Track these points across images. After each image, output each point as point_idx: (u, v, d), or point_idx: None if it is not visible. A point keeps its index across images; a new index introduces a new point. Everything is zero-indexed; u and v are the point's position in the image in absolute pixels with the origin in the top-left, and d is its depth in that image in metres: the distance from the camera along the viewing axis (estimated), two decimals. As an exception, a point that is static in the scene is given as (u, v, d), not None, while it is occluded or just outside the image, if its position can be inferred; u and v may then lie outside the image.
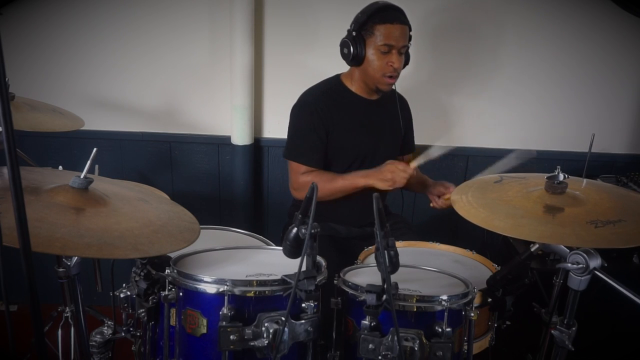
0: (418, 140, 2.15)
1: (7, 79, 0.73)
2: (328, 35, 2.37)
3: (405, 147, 2.10)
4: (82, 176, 1.21)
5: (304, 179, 1.84)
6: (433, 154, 1.72)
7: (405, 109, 2.06)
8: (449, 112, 2.50)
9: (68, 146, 2.48)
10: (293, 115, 1.90)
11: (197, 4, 2.32)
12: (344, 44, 1.79)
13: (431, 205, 1.90)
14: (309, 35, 2.38)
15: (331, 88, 1.89)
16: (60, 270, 1.42)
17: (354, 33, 1.75)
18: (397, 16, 1.74)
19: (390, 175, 1.72)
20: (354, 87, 1.89)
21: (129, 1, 2.33)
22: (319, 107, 1.83)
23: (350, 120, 1.87)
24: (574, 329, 1.35)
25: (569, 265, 1.26)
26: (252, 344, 1.17)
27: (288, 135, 1.91)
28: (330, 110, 1.84)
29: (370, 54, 1.76)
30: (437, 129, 2.50)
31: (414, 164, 1.73)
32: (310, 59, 2.40)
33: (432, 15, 2.32)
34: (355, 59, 1.77)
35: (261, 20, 2.35)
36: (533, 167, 1.55)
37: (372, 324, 1.21)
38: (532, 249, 1.34)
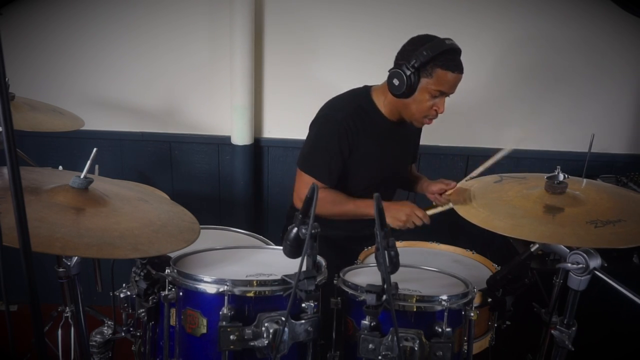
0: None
1: (7, 79, 0.73)
2: (328, 35, 2.37)
3: (412, 158, 2.09)
4: (82, 176, 1.21)
5: None
6: (448, 206, 1.65)
7: None
8: (450, 112, 2.49)
9: (68, 146, 2.48)
10: (318, 127, 1.81)
11: (197, 4, 2.32)
12: (396, 75, 1.66)
13: (433, 204, 1.88)
14: (309, 35, 2.38)
15: (361, 106, 1.79)
16: (60, 270, 1.42)
17: (412, 69, 1.63)
18: (459, 64, 1.65)
19: (405, 218, 1.66)
20: (384, 108, 1.80)
21: (129, 1, 2.33)
22: (348, 126, 1.74)
23: (375, 143, 1.81)
24: (574, 329, 1.35)
25: (569, 265, 1.26)
26: (252, 344, 1.17)
27: (308, 146, 1.82)
28: (358, 131, 1.76)
29: (420, 93, 1.66)
30: (438, 128, 2.49)
31: (431, 212, 1.70)
32: (310, 58, 2.40)
33: (429, 14, 2.32)
34: (404, 94, 1.67)
35: (261, 20, 2.35)
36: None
37: (372, 324, 1.21)
38: (532, 249, 1.34)
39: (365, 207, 1.75)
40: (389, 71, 1.69)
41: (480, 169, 1.70)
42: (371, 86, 1.86)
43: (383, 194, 1.87)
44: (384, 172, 1.89)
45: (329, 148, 1.77)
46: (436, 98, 1.68)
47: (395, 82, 1.67)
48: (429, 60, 1.61)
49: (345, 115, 1.75)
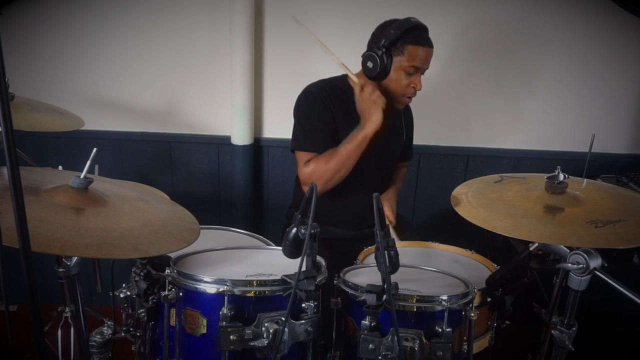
0: (419, 140, 2.15)
1: (7, 79, 0.73)
2: (328, 35, 2.37)
3: (404, 153, 2.09)
4: (82, 176, 1.21)
5: (306, 170, 1.75)
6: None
7: (409, 116, 2.05)
8: (449, 112, 2.50)
9: (68, 146, 2.48)
10: (298, 108, 1.83)
11: (197, 4, 2.32)
12: (369, 58, 1.72)
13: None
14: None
15: (337, 85, 1.84)
16: (60, 270, 1.42)
17: (383, 49, 1.68)
18: (427, 39, 1.71)
19: (370, 104, 1.67)
20: None
21: (129, 1, 2.33)
22: (324, 95, 1.78)
23: (353, 119, 1.81)
24: (574, 329, 1.35)
25: (569, 265, 1.26)
26: (252, 344, 1.17)
27: (295, 129, 1.83)
28: (333, 103, 1.79)
29: (395, 72, 1.72)
30: (438, 129, 2.50)
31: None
32: (310, 58, 2.40)
33: (432, 15, 2.32)
34: (379, 75, 1.72)
35: (261, 20, 2.35)
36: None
37: (372, 324, 1.21)
38: (531, 248, 1.34)
39: (353, 139, 1.71)
40: (362, 56, 1.75)
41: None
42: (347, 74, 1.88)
43: (372, 180, 1.88)
44: (368, 154, 1.86)
45: (314, 121, 1.79)
46: (411, 75, 1.72)
47: (370, 64, 1.73)
48: (397, 37, 1.67)
49: (321, 90, 1.81)
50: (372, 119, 1.69)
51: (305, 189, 1.83)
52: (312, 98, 1.81)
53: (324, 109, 1.78)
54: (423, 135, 2.15)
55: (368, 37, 1.77)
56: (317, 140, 1.77)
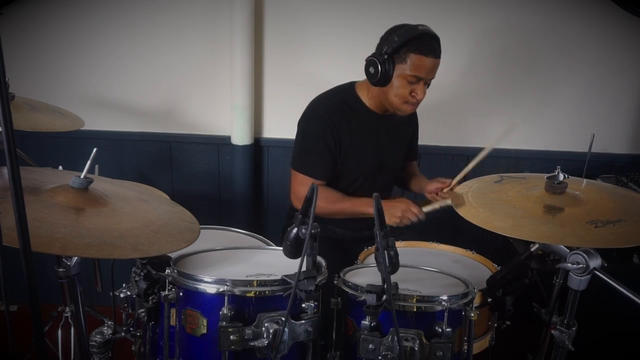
0: (419, 140, 2.15)
1: (7, 79, 0.73)
2: (328, 35, 2.37)
3: (409, 154, 2.09)
4: (82, 176, 1.21)
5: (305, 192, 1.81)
6: (445, 202, 1.68)
7: (413, 117, 2.05)
8: (450, 112, 2.50)
9: (68, 146, 2.48)
10: (303, 125, 1.84)
11: (197, 5, 2.32)
12: (371, 63, 1.69)
13: (428, 200, 1.87)
14: (309, 35, 2.38)
15: (344, 100, 1.82)
16: (60, 270, 1.41)
17: (385, 55, 1.65)
18: (433, 49, 1.65)
19: (400, 214, 1.69)
20: (368, 101, 1.83)
21: (129, 1, 2.33)
22: (332, 121, 1.77)
23: (360, 136, 1.83)
24: (574, 329, 1.35)
25: (569, 265, 1.26)
26: (252, 344, 1.18)
27: (297, 145, 1.86)
28: (341, 124, 1.79)
29: (396, 79, 1.68)
30: (438, 128, 2.50)
31: (427, 209, 1.73)
32: (310, 59, 2.40)
33: (430, 14, 2.32)
34: (380, 81, 1.69)
35: (261, 20, 2.35)
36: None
37: (372, 324, 1.21)
38: (532, 249, 1.34)
39: (361, 206, 1.78)
40: (365, 60, 1.72)
41: (464, 171, 1.73)
42: (356, 81, 1.88)
43: (375, 188, 1.89)
44: (372, 164, 1.90)
45: (316, 145, 1.80)
46: (413, 84, 1.69)
47: (371, 70, 1.70)
48: (401, 45, 1.63)
49: (328, 111, 1.79)
50: (388, 219, 1.62)
51: (297, 203, 1.86)
52: (319, 123, 1.79)
53: (328, 135, 1.78)
54: (423, 135, 2.15)
55: (374, 40, 1.76)
56: (316, 166, 1.81)
